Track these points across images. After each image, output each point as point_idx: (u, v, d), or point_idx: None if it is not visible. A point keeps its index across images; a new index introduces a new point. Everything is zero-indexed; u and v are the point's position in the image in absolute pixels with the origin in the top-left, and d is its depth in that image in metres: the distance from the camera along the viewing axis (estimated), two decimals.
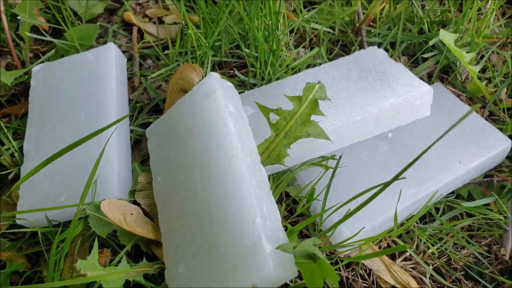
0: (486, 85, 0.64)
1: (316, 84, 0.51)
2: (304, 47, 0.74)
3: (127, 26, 0.78)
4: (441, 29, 0.56)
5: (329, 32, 0.73)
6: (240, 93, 0.64)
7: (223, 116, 0.49)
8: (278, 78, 0.66)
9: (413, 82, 0.57)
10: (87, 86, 0.61)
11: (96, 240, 0.44)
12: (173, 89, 0.60)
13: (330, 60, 0.71)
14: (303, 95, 0.50)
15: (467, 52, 0.62)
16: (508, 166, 0.58)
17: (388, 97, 0.55)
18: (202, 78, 0.62)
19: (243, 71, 0.67)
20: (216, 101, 0.50)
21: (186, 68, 0.60)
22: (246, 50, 0.64)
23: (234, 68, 0.66)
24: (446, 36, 0.55)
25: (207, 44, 0.62)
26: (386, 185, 0.35)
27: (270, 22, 0.62)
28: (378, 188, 0.35)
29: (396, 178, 0.35)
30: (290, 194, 0.52)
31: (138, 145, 0.61)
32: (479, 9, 0.72)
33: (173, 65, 0.65)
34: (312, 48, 0.74)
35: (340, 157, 0.50)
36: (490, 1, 0.63)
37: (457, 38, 0.62)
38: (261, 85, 0.65)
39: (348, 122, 0.54)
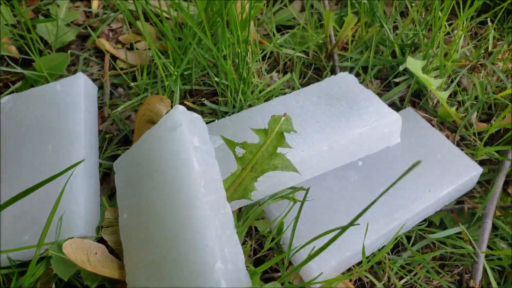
0: (457, 109, 0.64)
1: (282, 117, 0.51)
2: (278, 71, 0.74)
3: (100, 53, 0.77)
4: (408, 57, 0.56)
5: (302, 56, 0.73)
6: (210, 121, 0.63)
7: (187, 151, 0.48)
8: (250, 105, 0.66)
9: (382, 110, 0.56)
10: (55, 118, 0.60)
11: (58, 282, 0.43)
12: (141, 121, 0.60)
13: (303, 85, 0.71)
14: (268, 128, 0.50)
15: (435, 77, 0.62)
16: (479, 192, 0.58)
17: (356, 126, 0.55)
18: (171, 109, 0.61)
19: (215, 99, 0.67)
20: (181, 136, 0.50)
21: (153, 100, 0.59)
22: (216, 78, 0.63)
23: (204, 97, 0.66)
24: (413, 63, 0.55)
25: (175, 73, 0.62)
26: (344, 228, 0.34)
27: (239, 50, 0.61)
28: (339, 230, 0.35)
29: (356, 219, 0.34)
30: (258, 229, 0.51)
31: (107, 178, 0.60)
32: (448, 32, 0.72)
33: (142, 95, 0.64)
34: (286, 72, 0.74)
35: (308, 190, 0.49)
36: (459, 24, 0.63)
37: (426, 63, 0.62)
38: (233, 113, 0.65)
39: (317, 152, 0.53)
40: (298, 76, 0.71)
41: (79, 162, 0.42)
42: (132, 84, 0.66)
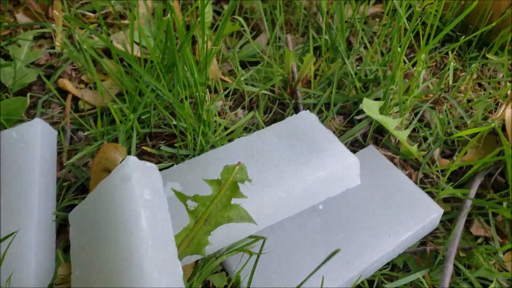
0: (420, 145, 0.64)
1: (236, 166, 0.50)
2: (243, 107, 0.73)
3: (62, 93, 0.76)
4: (365, 98, 0.55)
5: (267, 93, 0.73)
6: (169, 166, 0.62)
7: (136, 207, 0.47)
8: (214, 146, 0.65)
9: (341, 152, 0.56)
10: (10, 167, 0.59)
11: None
12: (96, 169, 0.58)
13: (268, 121, 0.70)
14: (221, 178, 0.49)
15: (397, 113, 0.61)
16: (442, 232, 0.57)
17: (315, 170, 0.54)
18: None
19: (175, 141, 0.65)
20: (131, 190, 0.48)
21: (108, 148, 0.58)
22: (174, 122, 0.62)
23: (162, 142, 0.65)
24: (370, 105, 0.55)
25: (131, 118, 0.61)
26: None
27: (197, 94, 0.61)
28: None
29: (309, 276, 0.33)
30: (215, 284, 0.50)
31: (63, 228, 0.58)
32: (413, 64, 0.72)
33: (99, 142, 0.63)
34: (252, 108, 0.73)
35: (264, 241, 0.48)
36: (418, 60, 0.63)
37: (386, 101, 0.61)
38: (194, 155, 0.64)
39: (275, 199, 0.52)
40: (262, 113, 0.70)
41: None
42: (90, 130, 0.65)
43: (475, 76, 0.76)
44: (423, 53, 0.62)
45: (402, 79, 0.64)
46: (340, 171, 0.55)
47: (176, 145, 0.63)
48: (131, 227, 0.46)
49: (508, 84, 0.70)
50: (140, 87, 0.58)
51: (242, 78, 0.74)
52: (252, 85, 0.74)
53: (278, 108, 0.73)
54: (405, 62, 0.77)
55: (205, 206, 0.49)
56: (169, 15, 0.56)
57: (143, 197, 0.48)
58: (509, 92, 0.67)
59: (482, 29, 0.59)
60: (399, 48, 0.62)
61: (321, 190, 0.55)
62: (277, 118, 0.71)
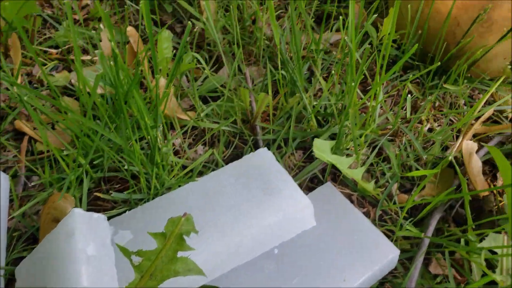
0: (378, 181, 0.63)
1: (182, 217, 0.48)
2: (204, 143, 0.72)
3: (20, 135, 0.74)
4: (316, 139, 0.54)
5: (227, 129, 0.72)
6: (123, 212, 0.60)
7: (78, 265, 0.45)
8: (170, 187, 0.64)
9: (295, 195, 0.55)
10: None
11: None
12: (45, 220, 0.57)
13: (229, 157, 0.69)
14: (166, 231, 0.47)
15: (354, 151, 0.60)
16: (401, 272, 0.56)
17: (269, 214, 0.53)
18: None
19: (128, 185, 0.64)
20: (74, 245, 0.47)
21: (56, 197, 0.56)
22: (126, 166, 0.61)
23: (117, 185, 0.63)
24: (320, 146, 0.54)
25: (76, 166, 0.59)
26: None
27: (149, 137, 0.59)
28: None
29: None
30: None
31: (12, 283, 0.56)
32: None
33: (49, 190, 0.62)
34: (213, 143, 0.72)
35: None
36: (372, 95, 0.63)
37: (338, 141, 0.61)
38: (149, 199, 0.62)
39: (228, 244, 0.51)
40: (221, 150, 0.69)
41: None
42: (42, 176, 0.63)
43: (437, 103, 0.76)
44: (378, 87, 0.61)
45: (358, 114, 0.63)
46: (294, 214, 0.54)
47: (127, 192, 0.62)
48: (73, 285, 0.44)
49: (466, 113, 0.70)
50: (85, 131, 0.57)
51: (202, 114, 0.73)
52: (214, 121, 0.73)
53: (240, 142, 0.72)
54: (362, 96, 0.76)
55: (150, 260, 0.47)
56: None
57: (86, 253, 0.47)
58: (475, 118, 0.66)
59: (436, 63, 0.59)
60: (353, 83, 0.62)
61: (275, 235, 0.54)
62: (238, 153, 0.70)
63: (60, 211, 0.56)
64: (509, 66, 0.59)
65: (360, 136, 0.61)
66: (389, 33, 0.55)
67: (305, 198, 0.54)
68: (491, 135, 0.70)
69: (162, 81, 0.70)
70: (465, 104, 0.76)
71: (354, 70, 0.57)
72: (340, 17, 0.75)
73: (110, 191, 0.62)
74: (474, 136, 0.72)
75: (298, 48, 0.66)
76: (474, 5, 0.66)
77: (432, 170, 0.51)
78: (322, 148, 0.54)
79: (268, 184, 0.57)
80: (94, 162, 0.62)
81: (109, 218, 0.60)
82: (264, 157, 0.61)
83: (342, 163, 0.54)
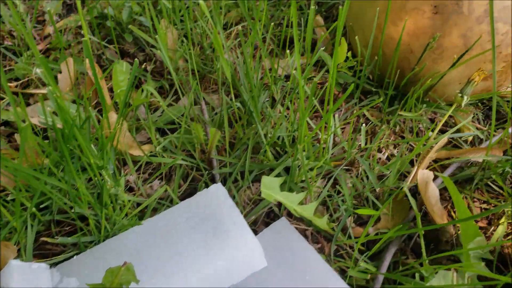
0: (333, 214, 0.62)
1: (122, 267, 0.47)
2: (161, 177, 0.70)
3: None
4: (263, 176, 0.53)
5: (183, 163, 0.70)
6: (72, 256, 0.59)
7: None
8: (121, 228, 0.62)
9: (243, 235, 0.53)
10: None
11: None
12: None
13: (184, 192, 0.68)
14: (104, 283, 0.46)
15: (304, 187, 0.59)
16: None
17: (217, 257, 0.52)
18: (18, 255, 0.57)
19: (81, 226, 0.62)
20: None
21: None
22: (73, 210, 0.59)
23: (68, 227, 0.61)
24: (268, 184, 0.53)
25: (19, 210, 0.57)
26: None
27: (97, 179, 0.58)
28: None
29: None
30: None
31: None
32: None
33: None
34: (171, 176, 0.71)
35: None
36: (322, 127, 0.62)
37: (293, 173, 0.60)
38: (100, 240, 0.60)
39: None
40: (177, 185, 0.68)
41: None
42: None
43: (397, 128, 0.75)
44: (328, 117, 0.60)
45: (311, 147, 0.62)
46: (243, 257, 0.52)
47: (75, 235, 0.60)
48: None
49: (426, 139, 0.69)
50: (19, 176, 0.55)
51: (159, 148, 0.71)
52: (172, 153, 0.72)
53: (198, 174, 0.70)
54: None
55: None
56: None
57: None
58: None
59: (390, 90, 0.58)
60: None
61: (224, 278, 0.53)
62: (196, 186, 0.69)
63: (2, 260, 0.54)
64: (459, 94, 0.59)
65: (311, 169, 0.59)
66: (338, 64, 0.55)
67: (254, 240, 0.53)
68: (447, 163, 0.69)
69: (114, 117, 0.69)
70: (428, 128, 0.75)
71: (303, 104, 0.56)
72: (300, 42, 0.75)
73: (57, 236, 0.60)
74: (435, 161, 0.72)
75: (250, 80, 0.66)
76: (425, 32, 0.66)
77: (376, 212, 0.50)
78: (270, 186, 0.53)
79: (218, 224, 0.56)
80: (42, 205, 0.60)
81: (57, 263, 0.59)
82: (217, 194, 0.60)
83: (292, 200, 0.53)
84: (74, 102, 0.79)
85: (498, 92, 0.65)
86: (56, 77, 0.90)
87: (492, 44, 0.53)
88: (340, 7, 0.51)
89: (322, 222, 0.57)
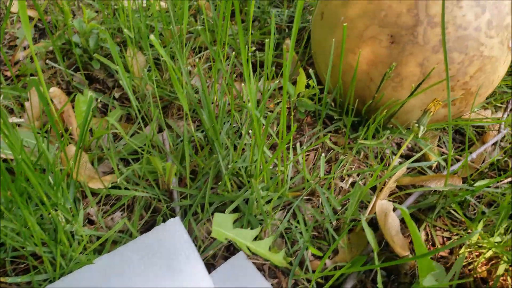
0: (294, 244, 0.61)
1: None
2: (122, 209, 0.70)
3: None
4: (216, 213, 0.52)
5: (145, 195, 0.70)
6: None
7: None
8: (79, 262, 0.61)
9: (196, 274, 0.53)
10: None
11: None
12: None
13: (146, 225, 0.67)
14: None
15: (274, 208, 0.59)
16: None
17: None
18: None
19: (39, 262, 0.61)
20: None
21: None
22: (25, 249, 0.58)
23: (20, 267, 0.60)
24: (221, 221, 0.52)
25: None
26: None
27: (51, 217, 0.57)
28: None
29: None
30: None
31: None
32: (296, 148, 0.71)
33: None
34: (133, 207, 0.70)
35: None
36: (279, 156, 0.62)
37: (247, 210, 0.59)
38: (55, 277, 0.59)
39: None
40: (137, 217, 0.67)
41: None
42: None
43: (362, 154, 0.75)
44: (281, 150, 0.60)
45: (269, 179, 0.62)
46: None
47: (29, 274, 0.59)
48: None
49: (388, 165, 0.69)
50: None
51: (120, 179, 0.71)
52: (135, 184, 0.71)
53: (160, 205, 0.70)
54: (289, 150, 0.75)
55: None
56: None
57: None
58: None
59: (350, 117, 0.58)
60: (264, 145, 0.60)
61: None
62: (157, 218, 0.68)
63: None
64: (416, 124, 0.59)
65: (268, 202, 0.59)
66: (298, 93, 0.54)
67: (207, 278, 0.52)
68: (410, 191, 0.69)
69: (72, 150, 0.68)
70: (393, 153, 0.75)
71: (259, 137, 0.56)
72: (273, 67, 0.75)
73: (12, 274, 0.59)
74: (400, 188, 0.72)
75: (210, 110, 0.65)
76: (383, 61, 0.66)
77: (326, 252, 0.50)
78: (223, 224, 0.52)
79: (172, 262, 0.55)
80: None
81: None
82: (173, 229, 0.60)
83: (245, 237, 0.53)
84: (46, 131, 0.78)
85: (454, 122, 0.65)
86: (22, 105, 0.89)
87: (446, 75, 0.53)
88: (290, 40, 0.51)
89: (278, 258, 0.56)
